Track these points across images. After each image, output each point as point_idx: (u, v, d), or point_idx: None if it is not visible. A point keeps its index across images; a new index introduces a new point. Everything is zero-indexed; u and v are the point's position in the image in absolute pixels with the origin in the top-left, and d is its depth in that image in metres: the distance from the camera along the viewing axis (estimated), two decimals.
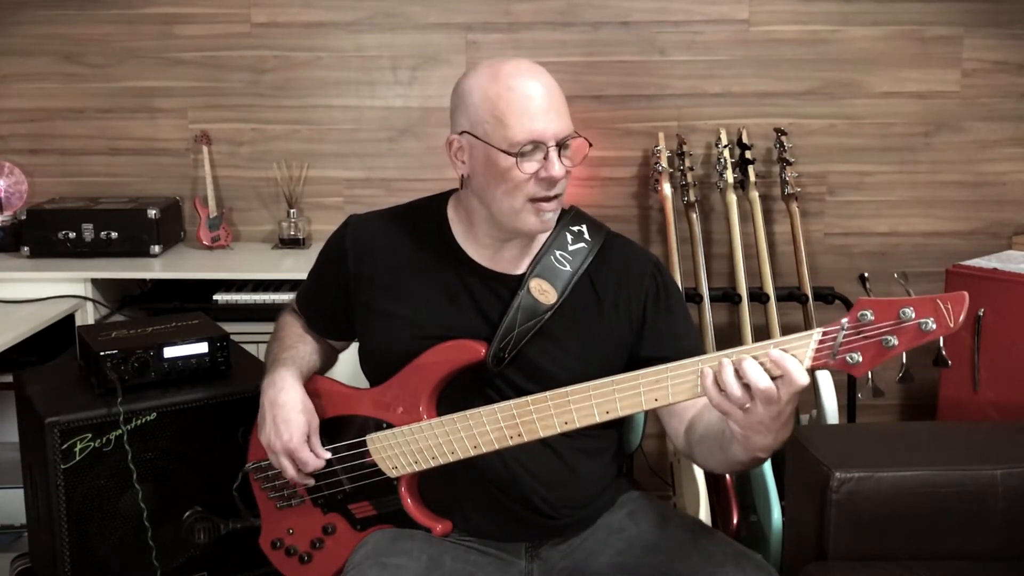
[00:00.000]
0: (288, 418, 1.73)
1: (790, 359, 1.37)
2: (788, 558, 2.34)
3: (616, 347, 1.72)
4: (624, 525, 1.75)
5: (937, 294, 1.36)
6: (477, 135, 1.63)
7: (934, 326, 1.34)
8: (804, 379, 1.37)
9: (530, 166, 1.61)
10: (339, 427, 1.79)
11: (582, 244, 1.74)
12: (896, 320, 1.36)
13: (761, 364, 1.38)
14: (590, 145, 1.67)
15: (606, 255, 1.75)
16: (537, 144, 1.60)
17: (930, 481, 1.99)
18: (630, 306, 1.73)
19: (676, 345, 1.67)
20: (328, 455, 1.76)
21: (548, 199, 1.64)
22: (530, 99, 1.59)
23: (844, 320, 1.39)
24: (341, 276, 1.81)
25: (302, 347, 1.87)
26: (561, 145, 1.61)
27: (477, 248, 1.74)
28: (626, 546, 1.71)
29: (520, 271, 1.73)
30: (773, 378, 1.37)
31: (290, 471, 1.74)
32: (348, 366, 1.97)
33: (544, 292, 1.69)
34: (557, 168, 1.60)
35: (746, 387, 1.38)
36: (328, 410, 1.80)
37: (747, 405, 1.39)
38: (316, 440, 1.76)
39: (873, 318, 1.37)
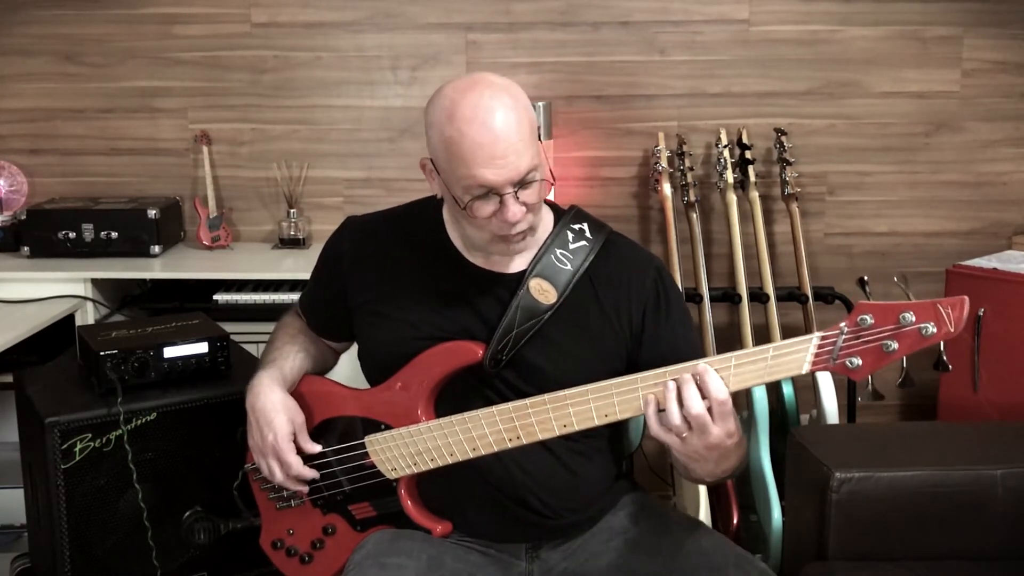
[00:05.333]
0: (269, 419, 1.73)
1: (712, 375, 1.43)
2: (788, 558, 2.34)
3: (615, 349, 1.71)
4: (625, 527, 1.75)
5: (938, 299, 1.36)
6: (438, 169, 1.63)
7: (934, 330, 1.34)
8: (723, 394, 1.43)
9: (485, 208, 1.58)
10: (338, 428, 1.79)
11: (583, 243, 1.73)
12: (896, 324, 1.36)
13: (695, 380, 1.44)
14: (552, 183, 1.63)
15: (607, 255, 1.74)
16: (491, 190, 1.57)
17: (930, 481, 1.99)
18: (631, 310, 1.72)
19: (675, 351, 1.66)
20: (317, 448, 1.75)
21: (512, 235, 1.62)
22: (481, 147, 1.52)
23: (843, 324, 1.39)
24: (338, 277, 1.81)
25: (289, 348, 1.86)
26: (520, 184, 1.57)
27: (472, 249, 1.74)
28: (627, 548, 1.71)
29: (519, 270, 1.72)
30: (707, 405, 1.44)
31: (278, 475, 1.74)
32: (348, 366, 1.97)
33: (544, 292, 1.68)
34: (511, 213, 1.57)
35: (684, 418, 1.44)
36: (327, 411, 1.80)
37: (684, 435, 1.45)
38: (304, 436, 1.75)
39: (873, 322, 1.37)
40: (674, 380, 1.45)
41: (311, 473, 1.75)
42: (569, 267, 1.70)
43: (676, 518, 1.78)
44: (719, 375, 1.45)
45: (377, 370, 1.76)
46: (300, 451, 1.75)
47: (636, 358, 1.71)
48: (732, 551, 1.67)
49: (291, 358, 1.84)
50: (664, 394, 1.45)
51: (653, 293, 1.73)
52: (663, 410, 1.46)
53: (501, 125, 1.53)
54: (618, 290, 1.72)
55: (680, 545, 1.68)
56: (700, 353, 1.82)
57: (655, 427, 1.47)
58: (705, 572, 1.62)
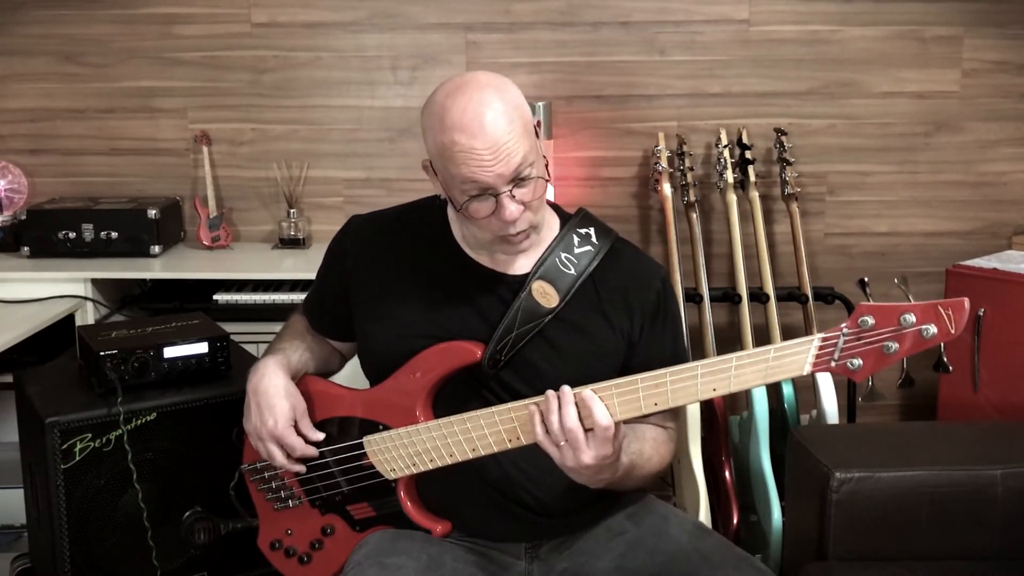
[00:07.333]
0: (271, 404, 1.72)
1: (597, 402, 1.49)
2: (788, 558, 2.34)
3: (613, 354, 1.71)
4: (625, 527, 1.75)
5: (938, 300, 1.36)
6: (436, 172, 1.64)
7: (935, 332, 1.35)
8: (606, 420, 1.48)
9: (482, 208, 1.59)
10: (336, 428, 1.78)
11: (588, 247, 1.72)
12: (897, 326, 1.37)
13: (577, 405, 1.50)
14: (547, 180, 1.62)
15: (612, 261, 1.74)
16: (486, 190, 1.58)
17: (930, 481, 1.99)
18: (632, 318, 1.72)
19: (662, 361, 1.63)
20: (320, 436, 1.75)
21: (512, 235, 1.62)
22: (472, 151, 1.54)
23: (844, 326, 1.39)
24: (342, 276, 1.81)
25: (296, 343, 1.86)
26: (516, 181, 1.58)
27: (476, 248, 1.74)
28: (627, 549, 1.71)
29: (523, 272, 1.71)
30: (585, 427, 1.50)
31: (279, 458, 1.74)
32: (348, 366, 1.97)
33: (546, 295, 1.68)
34: (509, 211, 1.58)
35: (561, 427, 1.50)
36: (325, 411, 1.79)
37: (561, 443, 1.50)
38: (305, 423, 1.75)
39: (874, 324, 1.37)
40: (555, 394, 1.52)
41: (313, 451, 1.75)
42: (573, 271, 1.70)
43: (676, 519, 1.77)
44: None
45: (377, 368, 1.76)
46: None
47: (628, 363, 1.71)
48: (732, 552, 1.67)
49: (298, 352, 1.84)
50: (546, 405, 1.52)
51: (654, 305, 1.74)
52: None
53: (490, 128, 1.55)
54: (621, 297, 1.72)
55: (679, 546, 1.69)
56: (688, 356, 1.84)
57: (541, 435, 1.54)
58: (705, 573, 1.62)
